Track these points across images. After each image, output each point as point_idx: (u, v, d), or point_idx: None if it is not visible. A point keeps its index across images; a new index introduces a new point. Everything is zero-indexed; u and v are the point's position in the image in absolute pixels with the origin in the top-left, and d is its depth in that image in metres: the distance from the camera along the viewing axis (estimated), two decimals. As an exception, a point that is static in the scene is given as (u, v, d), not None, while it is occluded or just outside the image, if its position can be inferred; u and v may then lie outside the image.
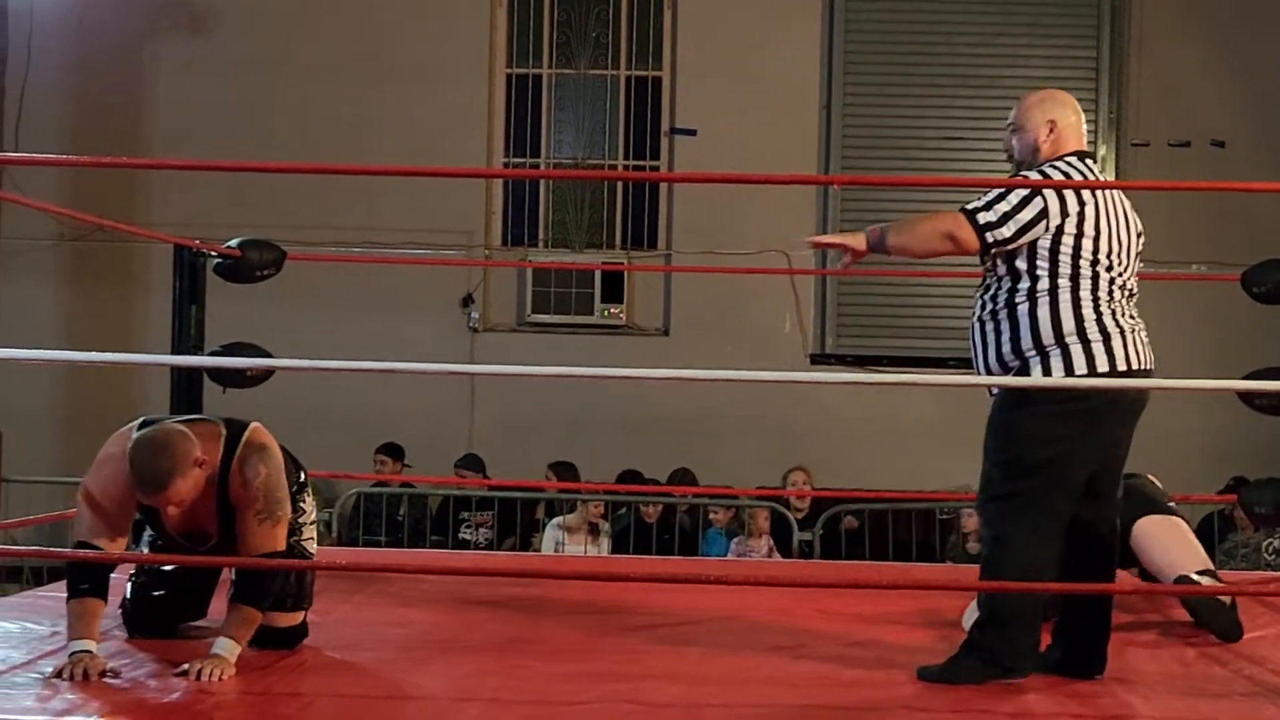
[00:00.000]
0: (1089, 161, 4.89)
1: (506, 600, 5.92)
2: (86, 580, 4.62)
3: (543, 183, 11.95)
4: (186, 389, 6.76)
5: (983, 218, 4.71)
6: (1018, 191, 4.72)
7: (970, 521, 9.69)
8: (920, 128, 11.66)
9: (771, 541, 9.68)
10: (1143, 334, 4.83)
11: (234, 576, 4.70)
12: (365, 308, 11.31)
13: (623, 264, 11.71)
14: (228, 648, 4.54)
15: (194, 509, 4.69)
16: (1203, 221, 11.01)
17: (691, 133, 11.66)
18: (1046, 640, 4.89)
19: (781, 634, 5.46)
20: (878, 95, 11.74)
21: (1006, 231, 4.70)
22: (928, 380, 4.90)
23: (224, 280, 7.12)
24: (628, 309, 11.68)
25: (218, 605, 5.00)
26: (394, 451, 10.83)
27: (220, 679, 4.44)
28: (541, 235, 11.94)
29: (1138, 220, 4.89)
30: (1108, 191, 4.82)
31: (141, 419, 4.82)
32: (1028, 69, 11.48)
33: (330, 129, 11.43)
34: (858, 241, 4.87)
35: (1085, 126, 4.97)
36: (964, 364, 10.91)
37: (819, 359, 11.64)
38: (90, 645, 4.53)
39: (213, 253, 7.00)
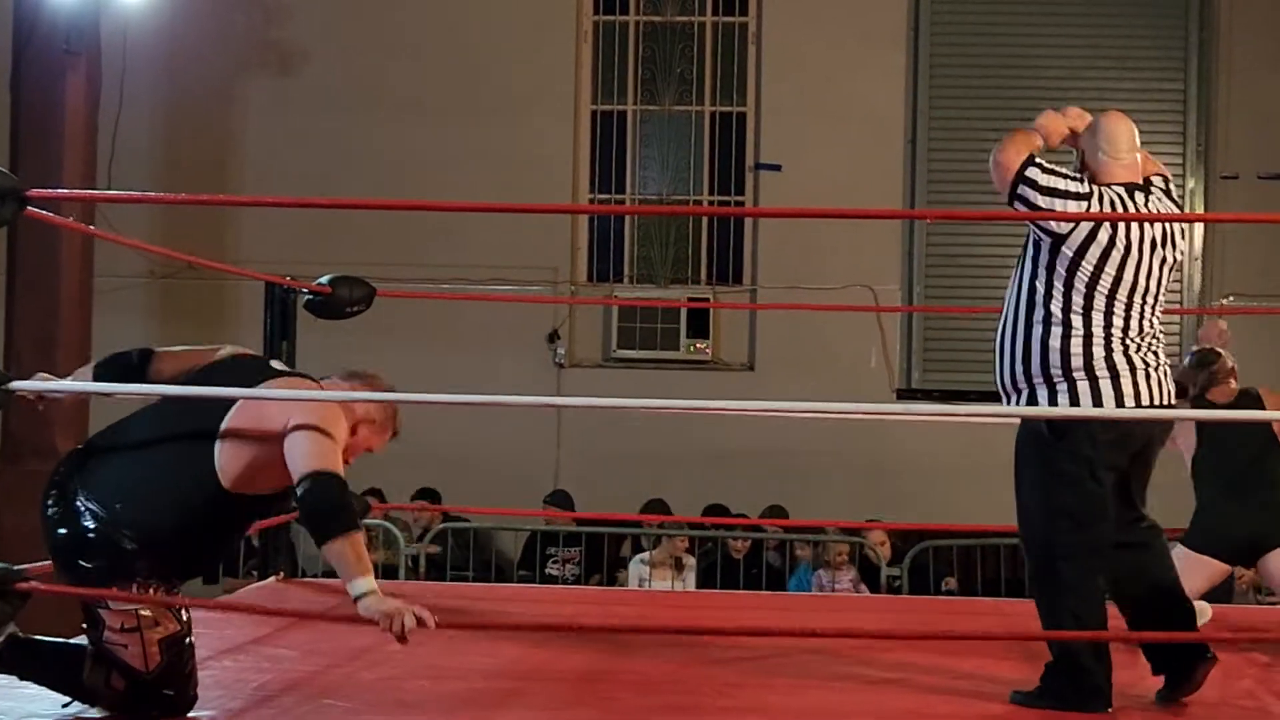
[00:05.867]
0: (1137, 194, 4.73)
1: (594, 630, 5.90)
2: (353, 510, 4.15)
3: (628, 219, 11.98)
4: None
5: (1031, 172, 4.65)
6: (1077, 180, 4.67)
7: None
8: (1006, 161, 11.56)
9: (857, 574, 9.63)
10: (1162, 371, 4.73)
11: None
12: (453, 344, 11.36)
13: (708, 300, 11.72)
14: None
15: None
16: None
17: (776, 168, 11.67)
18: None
19: (871, 665, 5.42)
20: (963, 128, 11.69)
21: (1038, 197, 4.62)
22: (1015, 412, 4.84)
23: (314, 317, 7.17)
24: (713, 344, 11.68)
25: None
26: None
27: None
28: (627, 271, 11.97)
29: (1176, 252, 4.75)
30: (1145, 224, 4.65)
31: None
32: (1115, 101, 11.22)
33: (417, 167, 11.52)
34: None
35: (1137, 156, 4.82)
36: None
37: (905, 394, 11.60)
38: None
39: (303, 289, 7.05)
